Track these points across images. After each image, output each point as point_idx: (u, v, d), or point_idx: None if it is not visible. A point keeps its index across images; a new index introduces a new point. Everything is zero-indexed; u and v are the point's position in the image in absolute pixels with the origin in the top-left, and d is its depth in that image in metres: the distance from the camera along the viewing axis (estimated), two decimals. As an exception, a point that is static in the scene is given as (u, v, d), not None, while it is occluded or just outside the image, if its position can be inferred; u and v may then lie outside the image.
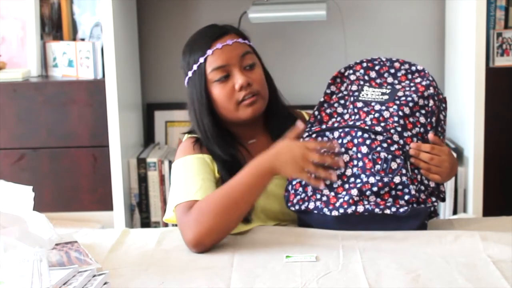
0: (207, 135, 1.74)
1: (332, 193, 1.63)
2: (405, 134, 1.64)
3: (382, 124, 1.65)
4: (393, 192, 1.59)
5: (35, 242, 1.36)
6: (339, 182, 1.63)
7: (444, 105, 1.77)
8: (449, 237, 1.57)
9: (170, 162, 2.83)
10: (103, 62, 2.80)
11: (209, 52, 1.70)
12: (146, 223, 2.92)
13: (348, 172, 1.63)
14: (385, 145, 1.62)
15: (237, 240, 1.62)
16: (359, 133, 1.64)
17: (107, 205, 2.82)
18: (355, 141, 1.64)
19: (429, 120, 1.69)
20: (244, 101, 1.72)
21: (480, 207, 2.74)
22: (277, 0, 2.96)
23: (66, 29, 2.99)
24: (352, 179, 1.62)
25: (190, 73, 1.74)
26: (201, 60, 1.71)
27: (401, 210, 1.58)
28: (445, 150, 1.69)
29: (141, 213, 2.91)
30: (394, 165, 1.60)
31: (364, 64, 1.80)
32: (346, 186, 1.62)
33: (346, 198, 1.60)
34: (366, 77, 1.78)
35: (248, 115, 1.73)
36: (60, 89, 2.81)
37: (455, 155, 2.80)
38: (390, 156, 1.61)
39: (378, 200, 1.59)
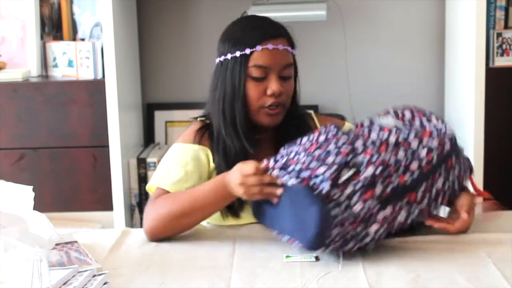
0: (226, 121, 1.74)
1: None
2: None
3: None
4: None
5: (35, 242, 1.36)
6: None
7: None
8: (449, 236, 1.57)
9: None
10: (103, 62, 2.80)
11: (259, 48, 1.71)
12: (146, 223, 2.92)
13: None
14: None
15: (237, 240, 1.62)
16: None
17: (107, 205, 2.82)
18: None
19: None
20: (268, 108, 1.73)
21: (480, 207, 2.74)
22: (277, 0, 2.96)
23: (66, 29, 2.99)
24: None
25: (229, 56, 1.73)
26: (247, 51, 1.71)
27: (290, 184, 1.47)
28: (467, 222, 1.62)
29: (141, 213, 2.91)
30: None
31: None
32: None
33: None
34: None
35: (266, 123, 1.76)
36: (60, 89, 2.81)
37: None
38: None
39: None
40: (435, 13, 3.13)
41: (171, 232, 1.64)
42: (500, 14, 2.81)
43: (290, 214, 1.47)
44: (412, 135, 1.52)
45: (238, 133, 1.74)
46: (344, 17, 3.11)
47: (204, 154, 1.76)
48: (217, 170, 1.75)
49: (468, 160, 1.63)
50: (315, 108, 3.10)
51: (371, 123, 1.58)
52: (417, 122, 1.58)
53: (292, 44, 1.78)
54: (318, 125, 1.90)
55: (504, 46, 2.77)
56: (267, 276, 1.40)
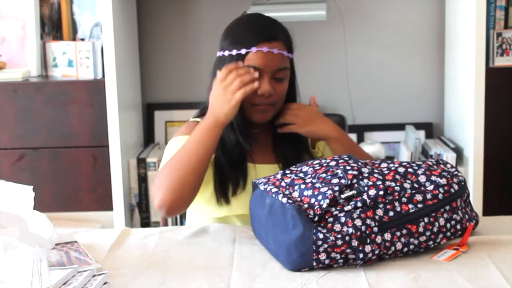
0: None
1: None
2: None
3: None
4: None
5: (35, 242, 1.36)
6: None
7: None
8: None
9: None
10: (103, 62, 2.80)
11: (253, 49, 1.75)
12: (146, 223, 2.92)
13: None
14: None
15: (237, 240, 1.62)
16: None
17: (107, 205, 2.82)
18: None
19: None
20: (258, 106, 1.78)
21: (480, 207, 2.74)
22: (277, 0, 2.96)
23: (66, 29, 2.99)
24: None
25: (227, 53, 1.78)
26: (243, 51, 1.75)
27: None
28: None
29: (141, 213, 2.91)
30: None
31: None
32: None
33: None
34: None
35: (255, 119, 1.80)
36: (60, 89, 2.81)
37: (454, 155, 2.81)
38: None
39: None
40: (435, 13, 3.13)
41: (178, 191, 1.64)
42: (500, 14, 2.81)
43: (274, 233, 1.47)
44: (421, 171, 1.52)
45: (233, 127, 1.79)
46: (344, 17, 3.11)
47: None
48: (215, 161, 1.78)
49: (477, 215, 1.63)
50: (315, 108, 3.10)
51: (386, 160, 1.59)
52: (429, 163, 1.58)
53: (289, 48, 1.81)
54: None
55: (504, 46, 2.77)
56: (267, 276, 1.40)
